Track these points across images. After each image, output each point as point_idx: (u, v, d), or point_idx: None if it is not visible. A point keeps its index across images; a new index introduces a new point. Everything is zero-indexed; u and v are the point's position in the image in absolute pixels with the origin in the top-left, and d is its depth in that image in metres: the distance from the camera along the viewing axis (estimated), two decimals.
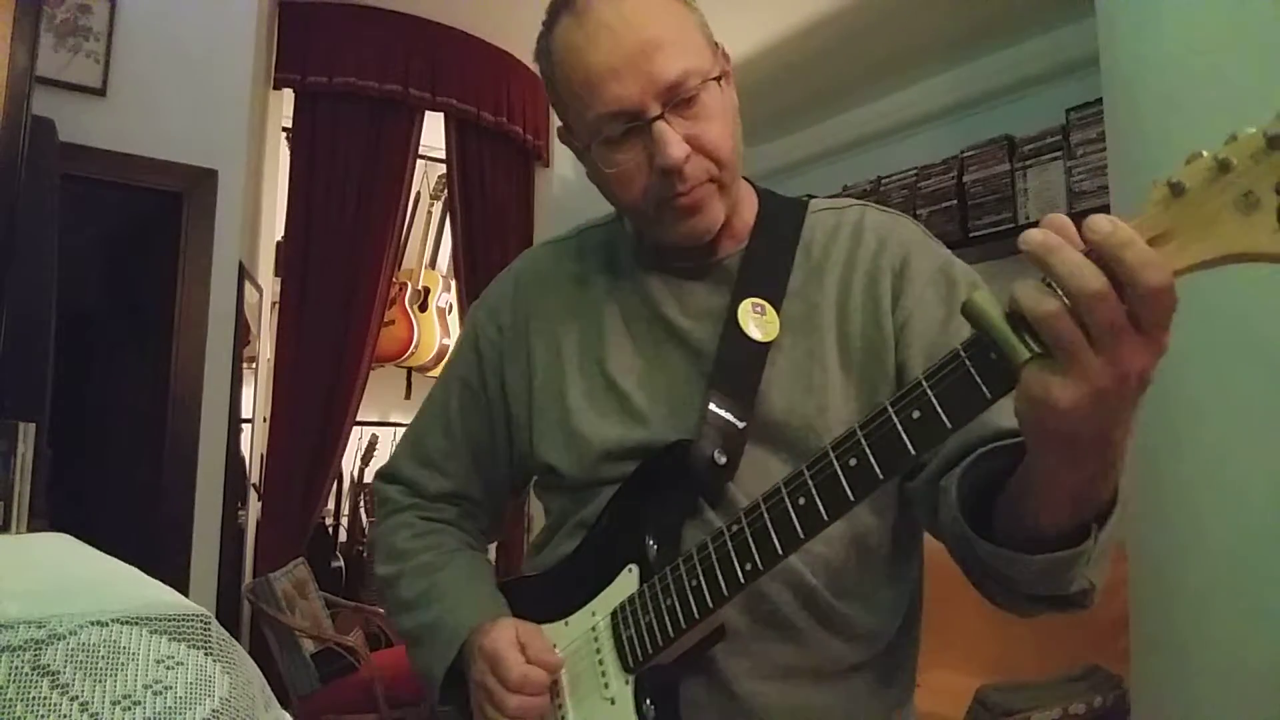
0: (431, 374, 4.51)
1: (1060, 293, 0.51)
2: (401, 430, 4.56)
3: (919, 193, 3.50)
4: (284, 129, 3.66)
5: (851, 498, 0.65)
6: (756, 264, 0.88)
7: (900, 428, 0.61)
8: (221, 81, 2.82)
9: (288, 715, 0.44)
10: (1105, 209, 2.15)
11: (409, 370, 4.64)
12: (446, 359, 1.05)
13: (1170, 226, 0.50)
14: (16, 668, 0.34)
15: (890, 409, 0.62)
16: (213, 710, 0.37)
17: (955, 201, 3.36)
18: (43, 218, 2.01)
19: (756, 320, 0.84)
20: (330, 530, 4.19)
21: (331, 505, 4.19)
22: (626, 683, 0.79)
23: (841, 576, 0.82)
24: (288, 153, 3.50)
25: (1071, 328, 0.51)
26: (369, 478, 4.30)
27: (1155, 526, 1.79)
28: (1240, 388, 1.62)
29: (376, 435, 4.40)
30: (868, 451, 0.63)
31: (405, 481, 1.02)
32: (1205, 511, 1.66)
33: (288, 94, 3.47)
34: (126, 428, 3.15)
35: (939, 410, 0.59)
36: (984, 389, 0.57)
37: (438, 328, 4.39)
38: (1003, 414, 0.71)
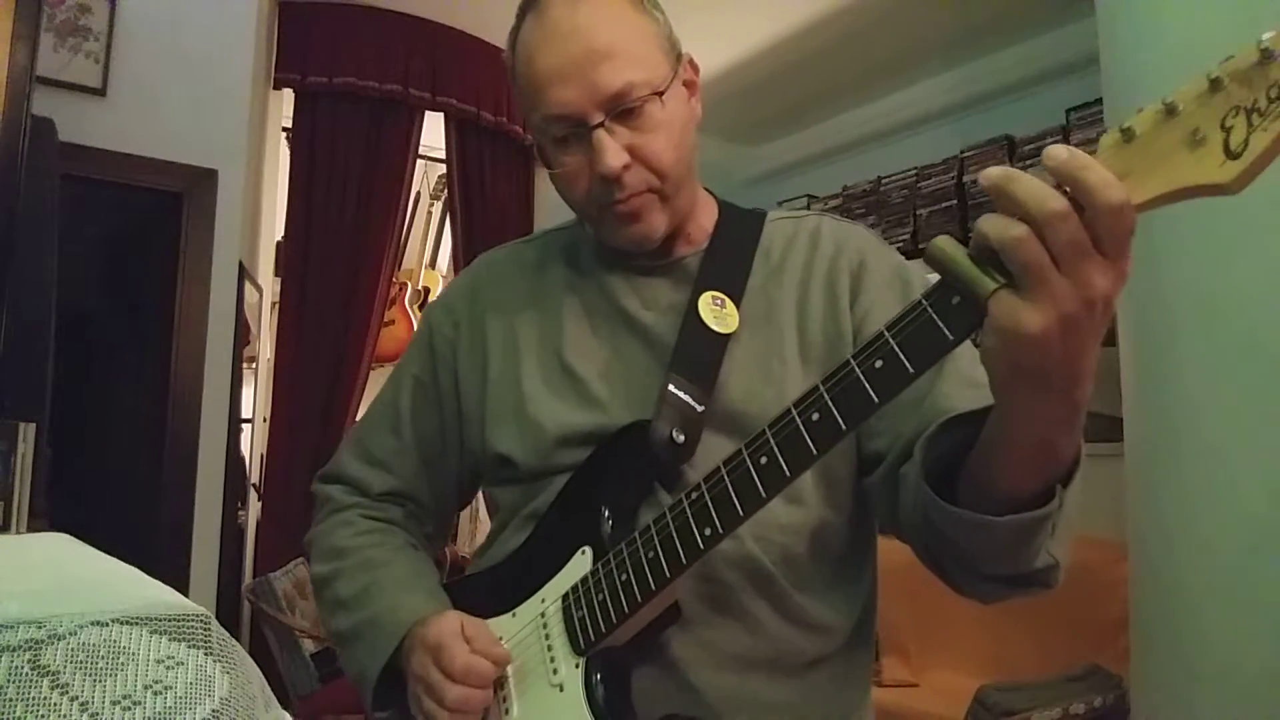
0: None
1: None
2: None
3: (919, 193, 3.50)
4: (284, 129, 3.66)
5: (815, 451, 0.64)
6: (716, 263, 0.89)
7: (863, 378, 0.61)
8: (221, 81, 2.82)
9: (288, 715, 0.44)
10: None
11: None
12: (398, 360, 1.03)
13: (1123, 168, 0.52)
14: (16, 668, 0.34)
15: (852, 361, 0.62)
16: (213, 710, 0.37)
17: (955, 201, 3.36)
18: (43, 218, 2.01)
19: (716, 313, 0.85)
20: None
21: None
22: (576, 666, 0.77)
23: (799, 567, 0.82)
24: (288, 153, 3.50)
25: (1039, 249, 0.52)
26: None
27: (1155, 527, 1.79)
28: (1239, 388, 1.62)
29: None
30: (830, 405, 0.63)
31: (348, 481, 0.99)
32: (1205, 512, 1.66)
33: (288, 94, 3.47)
34: (126, 428, 3.15)
35: (901, 356, 0.59)
36: (946, 331, 0.57)
37: None
38: (960, 398, 0.73)
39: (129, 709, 0.35)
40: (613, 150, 0.79)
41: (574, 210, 0.91)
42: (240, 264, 2.86)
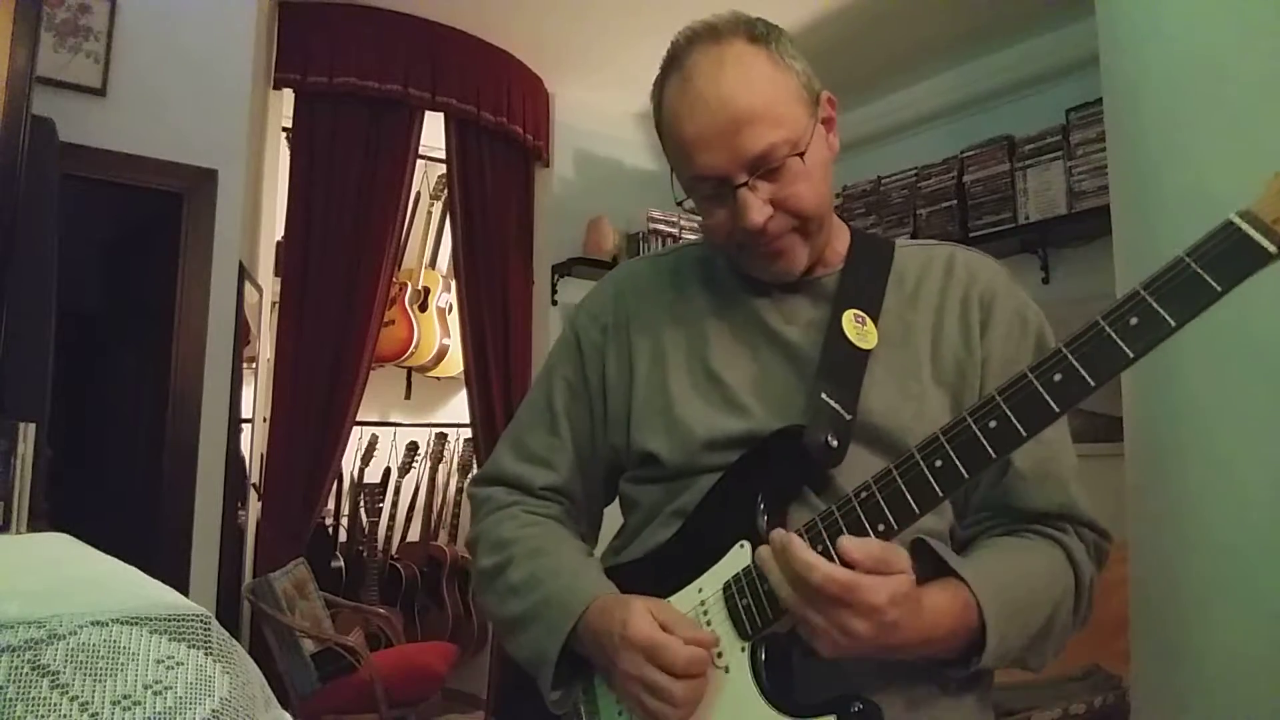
0: (431, 374, 4.50)
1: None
2: (401, 430, 4.49)
3: (919, 193, 3.50)
4: (284, 129, 3.65)
5: (993, 454, 0.72)
6: (854, 283, 0.94)
7: (1041, 389, 0.70)
8: (221, 81, 2.82)
9: (288, 715, 0.44)
10: (1105, 209, 2.15)
11: (409, 370, 4.64)
12: (544, 363, 1.08)
13: None
14: (16, 668, 0.34)
15: (1030, 374, 0.71)
16: (213, 710, 0.37)
17: (955, 201, 3.36)
18: (43, 218, 2.01)
19: (858, 329, 0.90)
20: (330, 530, 4.19)
21: (331, 505, 4.18)
22: (742, 650, 0.81)
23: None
24: (288, 153, 3.50)
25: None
26: (369, 478, 4.30)
27: (1156, 527, 1.79)
28: (1242, 389, 1.62)
29: (376, 435, 4.39)
30: (1008, 411, 0.71)
31: (508, 480, 1.03)
32: (1205, 511, 1.66)
33: (288, 94, 3.47)
34: (126, 428, 3.15)
35: (1082, 371, 0.68)
36: (1125, 348, 0.68)
37: (438, 328, 4.39)
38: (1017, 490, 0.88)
39: (129, 709, 0.35)
40: (756, 207, 0.85)
41: (718, 249, 0.96)
42: (240, 264, 2.85)
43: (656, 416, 0.94)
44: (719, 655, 0.82)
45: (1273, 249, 0.66)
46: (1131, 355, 0.67)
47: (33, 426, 1.82)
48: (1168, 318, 0.66)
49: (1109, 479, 2.30)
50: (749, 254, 0.91)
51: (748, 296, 0.97)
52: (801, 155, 0.86)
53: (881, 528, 0.75)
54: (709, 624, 0.84)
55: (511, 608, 0.93)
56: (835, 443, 0.84)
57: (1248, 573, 1.59)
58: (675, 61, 0.90)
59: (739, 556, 0.84)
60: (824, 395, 0.86)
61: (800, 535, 0.78)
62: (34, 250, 1.95)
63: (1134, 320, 0.67)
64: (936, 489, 0.73)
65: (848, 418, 0.86)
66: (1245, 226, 0.67)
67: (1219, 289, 0.67)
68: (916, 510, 0.74)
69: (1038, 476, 0.88)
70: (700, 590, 0.86)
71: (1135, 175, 1.86)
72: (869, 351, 0.89)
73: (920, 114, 3.79)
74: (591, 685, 0.89)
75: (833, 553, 0.75)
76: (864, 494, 0.77)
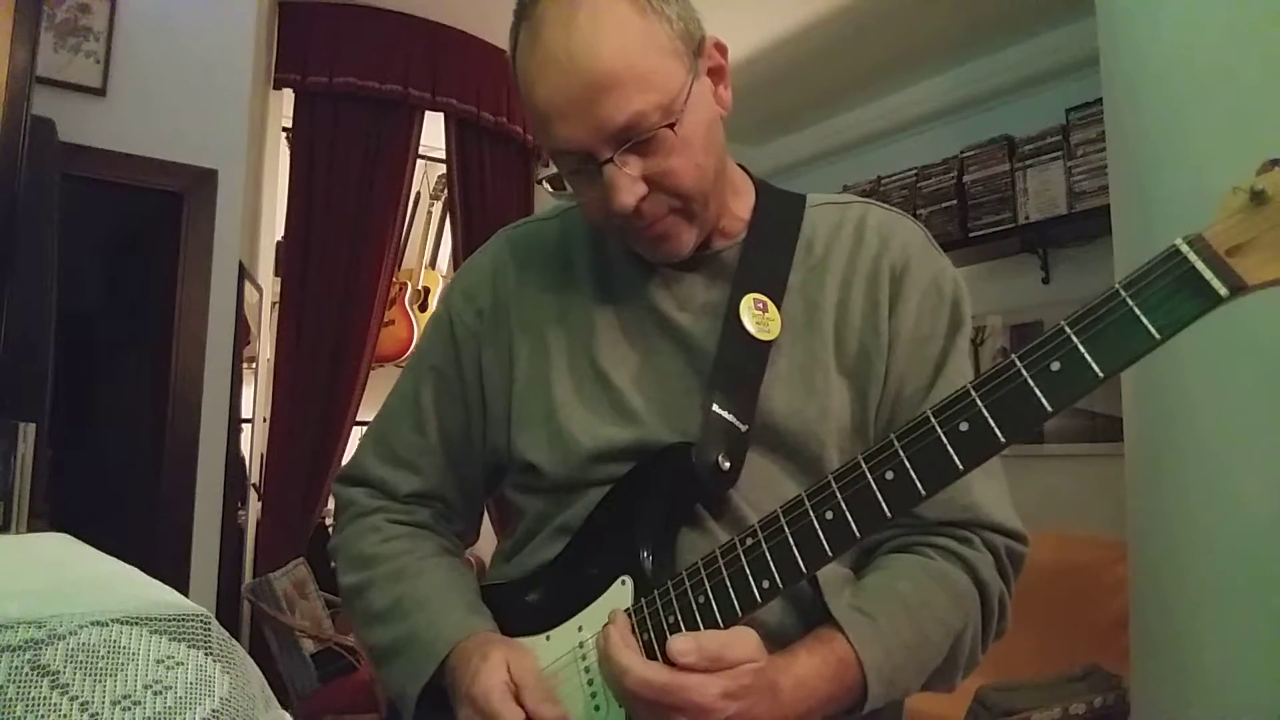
0: None
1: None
2: None
3: (919, 193, 3.51)
4: (284, 129, 3.66)
5: (888, 513, 0.63)
6: (756, 258, 0.84)
7: (945, 440, 0.60)
8: (221, 81, 2.82)
9: (288, 715, 0.44)
10: (1105, 209, 2.16)
11: None
12: (413, 348, 0.99)
13: (1252, 236, 0.51)
14: (16, 668, 0.34)
15: (934, 419, 0.61)
16: (213, 710, 0.37)
17: (955, 201, 3.36)
18: (43, 218, 2.01)
19: (758, 318, 0.80)
20: (330, 530, 4.19)
21: (331, 505, 4.18)
22: (621, 705, 0.72)
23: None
24: (288, 153, 3.50)
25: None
26: None
27: (1155, 527, 1.79)
28: (1239, 388, 1.62)
29: None
30: (906, 462, 0.62)
31: (371, 483, 0.93)
32: (1205, 512, 1.66)
33: (288, 94, 3.47)
34: (126, 428, 3.15)
35: (991, 423, 0.59)
36: (1043, 400, 0.57)
37: None
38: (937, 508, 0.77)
39: (129, 709, 0.35)
40: (625, 187, 0.74)
41: (599, 228, 0.86)
42: (240, 264, 2.86)
43: (538, 424, 0.84)
44: (596, 709, 0.74)
45: (1224, 290, 0.53)
46: (1050, 409, 0.57)
47: (33, 426, 1.82)
48: (1094, 365, 0.56)
49: (1109, 479, 2.30)
50: (629, 235, 0.80)
51: (638, 275, 0.85)
52: (674, 125, 0.73)
53: (766, 584, 0.67)
54: (587, 670, 0.76)
55: (375, 636, 0.85)
56: (728, 464, 0.75)
57: (1246, 572, 1.59)
58: (524, 9, 0.76)
59: (620, 594, 0.76)
60: (716, 407, 0.76)
61: (699, 576, 0.71)
62: (34, 250, 1.95)
63: (1056, 365, 0.57)
64: (826, 547, 0.65)
65: (743, 429, 0.76)
66: (1193, 258, 0.54)
67: (1158, 337, 0.54)
68: (804, 569, 0.66)
69: None
70: (581, 629, 0.77)
71: (1135, 175, 1.86)
72: (770, 343, 0.79)
73: (920, 114, 3.79)
74: None
75: (735, 606, 0.69)
76: (750, 540, 0.69)
